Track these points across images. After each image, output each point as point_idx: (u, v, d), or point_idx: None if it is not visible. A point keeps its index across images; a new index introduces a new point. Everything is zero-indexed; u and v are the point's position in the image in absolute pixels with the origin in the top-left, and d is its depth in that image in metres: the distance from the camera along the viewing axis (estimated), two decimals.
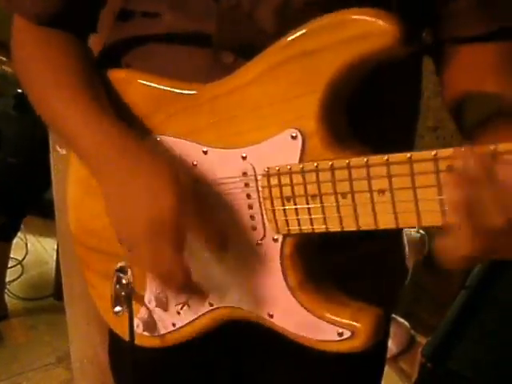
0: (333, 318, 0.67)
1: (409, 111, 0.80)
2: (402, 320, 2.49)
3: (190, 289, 0.74)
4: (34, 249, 3.11)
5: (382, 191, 0.58)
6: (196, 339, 0.82)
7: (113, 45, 0.85)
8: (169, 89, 0.75)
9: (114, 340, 1.01)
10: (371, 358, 0.96)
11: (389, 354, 2.29)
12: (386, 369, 2.26)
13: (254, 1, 0.71)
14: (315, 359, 0.72)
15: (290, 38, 0.64)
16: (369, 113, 0.66)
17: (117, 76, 0.82)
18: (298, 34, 0.63)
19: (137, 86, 0.79)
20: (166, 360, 0.95)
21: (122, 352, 0.95)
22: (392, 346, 2.35)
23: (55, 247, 1.89)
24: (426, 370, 1.51)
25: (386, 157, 0.57)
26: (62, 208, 1.57)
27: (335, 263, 0.70)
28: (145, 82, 0.78)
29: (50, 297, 2.65)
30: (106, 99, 0.80)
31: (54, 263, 2.60)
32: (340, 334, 0.66)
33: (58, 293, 2.13)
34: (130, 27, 0.82)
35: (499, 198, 0.52)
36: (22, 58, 0.86)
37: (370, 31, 0.58)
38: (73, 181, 0.94)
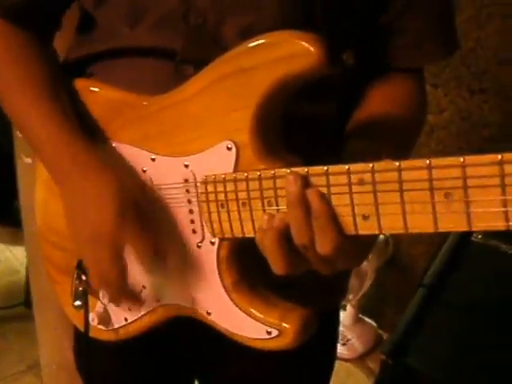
0: (262, 317, 0.72)
1: (334, 124, 0.84)
2: (369, 320, 2.54)
3: (126, 294, 0.82)
4: (4, 257, 3.14)
5: None
6: (154, 335, 0.87)
7: (77, 55, 0.89)
8: (122, 99, 0.81)
9: (77, 339, 1.06)
10: (318, 354, 1.00)
11: (356, 354, 2.35)
12: (354, 368, 2.33)
13: (219, 21, 0.76)
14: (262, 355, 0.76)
15: (229, 55, 0.69)
16: (294, 125, 0.71)
17: (80, 85, 0.87)
18: (236, 51, 0.68)
19: (97, 95, 0.84)
20: (124, 354, 1.00)
21: (83, 348, 1.00)
22: (359, 345, 2.40)
23: (26, 255, 1.91)
24: (387, 367, 1.55)
25: (306, 169, 0.62)
26: (29, 215, 1.61)
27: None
28: (103, 92, 0.84)
29: (20, 305, 2.65)
30: (67, 104, 0.84)
31: (25, 271, 2.60)
32: (269, 333, 0.71)
33: (28, 301, 2.13)
34: (91, 40, 0.86)
35: (316, 223, 0.61)
36: None
37: (296, 52, 0.62)
38: (39, 180, 0.99)
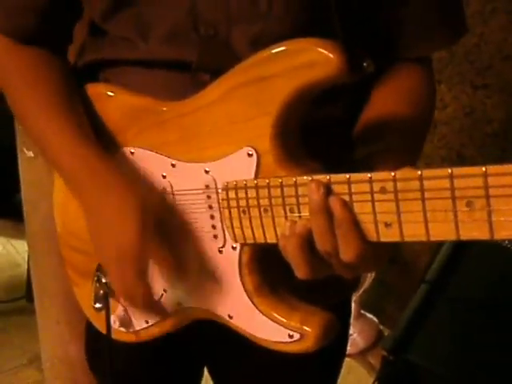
0: (284, 320, 0.73)
1: (345, 125, 0.85)
2: (370, 316, 2.55)
3: (152, 308, 0.83)
4: (5, 251, 3.16)
5: None
6: (174, 336, 0.89)
7: (88, 62, 0.90)
8: (142, 105, 0.82)
9: (90, 338, 1.07)
10: (330, 355, 1.01)
11: (357, 349, 2.36)
12: (355, 363, 2.34)
13: (229, 31, 0.77)
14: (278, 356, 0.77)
15: (248, 63, 0.70)
16: (306, 129, 0.72)
17: (95, 90, 0.88)
18: (256, 59, 0.69)
19: (113, 100, 0.85)
20: (145, 355, 1.01)
21: (100, 349, 1.01)
22: (360, 340, 2.42)
23: (27, 249, 1.92)
24: (388, 363, 1.56)
25: (328, 176, 0.63)
26: (31, 209, 1.63)
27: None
28: (119, 97, 0.85)
29: (21, 299, 2.65)
30: (83, 117, 0.85)
31: (26, 265, 2.59)
32: (291, 336, 0.72)
33: (29, 294, 2.12)
34: (104, 46, 0.87)
35: (339, 231, 0.62)
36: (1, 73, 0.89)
37: (317, 60, 0.63)
38: (58, 184, 1.00)
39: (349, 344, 2.34)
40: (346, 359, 2.27)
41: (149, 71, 0.82)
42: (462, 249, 1.76)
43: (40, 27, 0.88)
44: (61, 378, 1.81)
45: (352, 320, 2.45)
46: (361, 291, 2.38)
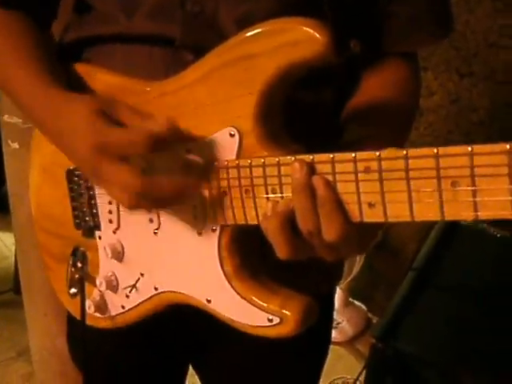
0: (263, 304, 0.71)
1: (331, 111, 0.85)
2: (359, 304, 2.56)
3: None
4: None
5: None
6: (150, 322, 0.87)
7: (72, 40, 0.88)
8: (122, 85, 0.80)
9: (71, 326, 1.05)
10: (314, 337, 1.00)
11: (346, 337, 2.37)
12: (344, 351, 2.35)
13: (216, 9, 0.75)
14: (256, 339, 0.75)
15: (232, 42, 0.68)
16: (292, 112, 0.71)
17: (78, 70, 0.86)
18: (239, 38, 0.67)
19: (96, 80, 0.83)
20: (121, 341, 0.99)
21: (77, 336, 0.99)
22: (349, 328, 2.43)
23: (14, 241, 1.90)
24: (377, 350, 1.57)
25: (311, 156, 0.62)
26: (18, 201, 1.62)
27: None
28: (103, 77, 0.83)
29: (9, 291, 2.64)
30: (56, 66, 0.84)
31: (14, 257, 2.58)
32: (270, 320, 0.71)
33: (17, 287, 2.12)
34: (89, 23, 0.85)
35: (321, 211, 0.61)
36: None
37: (302, 39, 0.62)
38: (35, 168, 0.98)
39: (337, 332, 2.39)
40: (335, 347, 2.31)
41: (131, 47, 0.81)
42: (448, 236, 1.76)
43: None
44: (50, 370, 1.81)
45: (341, 308, 2.47)
46: (349, 279, 2.38)
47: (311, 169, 0.61)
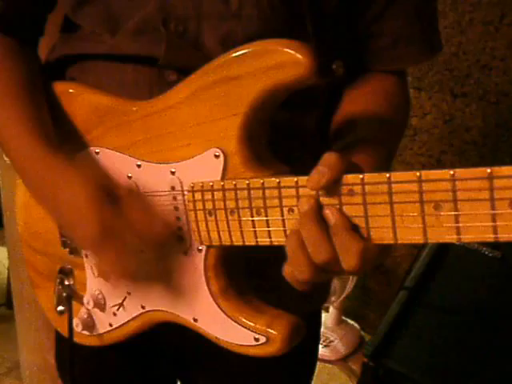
0: (249, 323, 0.71)
1: (315, 131, 0.85)
2: (351, 322, 2.55)
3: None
4: None
5: (291, 209, 0.63)
6: (137, 339, 0.87)
7: (58, 57, 0.88)
8: (108, 104, 0.80)
9: (59, 344, 1.05)
10: (300, 356, 1.00)
11: (338, 356, 2.36)
12: (336, 369, 2.34)
13: (199, 29, 0.76)
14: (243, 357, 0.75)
15: (216, 63, 0.69)
16: (275, 133, 0.71)
17: (62, 89, 0.86)
18: (224, 59, 0.68)
19: (79, 99, 0.83)
20: (108, 358, 0.99)
21: (64, 353, 0.99)
22: (342, 347, 2.42)
23: (7, 256, 1.89)
24: (368, 369, 1.56)
25: (295, 179, 0.62)
26: (11, 215, 1.62)
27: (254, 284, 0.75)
28: (87, 97, 0.83)
29: (1, 306, 2.62)
30: (44, 111, 0.83)
31: (7, 272, 2.55)
32: (256, 340, 0.71)
33: (10, 302, 2.11)
34: (75, 41, 0.85)
35: (326, 235, 0.59)
36: None
37: (286, 61, 0.62)
38: (21, 186, 0.98)
39: (330, 350, 2.38)
40: (327, 365, 2.30)
41: (116, 66, 0.81)
42: (440, 256, 1.76)
43: (8, 15, 0.86)
44: None
45: (333, 326, 2.46)
46: (342, 297, 2.38)
47: (318, 201, 0.60)
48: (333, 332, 2.46)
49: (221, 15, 0.75)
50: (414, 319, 1.65)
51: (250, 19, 0.75)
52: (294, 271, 0.62)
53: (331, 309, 2.47)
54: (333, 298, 2.35)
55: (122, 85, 0.81)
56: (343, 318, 2.52)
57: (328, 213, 0.59)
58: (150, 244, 0.74)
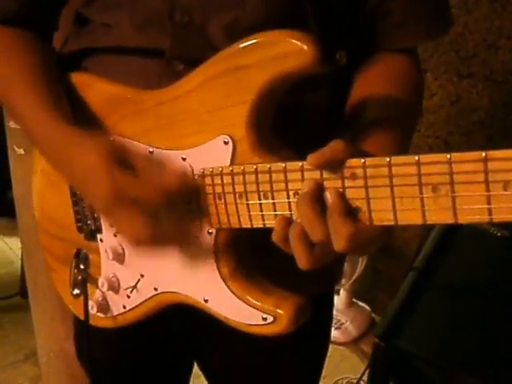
0: (258, 303, 0.75)
1: (323, 115, 0.86)
2: (362, 304, 2.57)
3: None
4: None
5: (297, 193, 0.65)
6: (152, 322, 0.90)
7: (70, 51, 0.91)
8: (121, 94, 0.83)
9: (77, 327, 1.08)
10: (313, 339, 1.03)
11: (350, 338, 2.38)
12: (347, 351, 2.36)
13: (205, 19, 0.78)
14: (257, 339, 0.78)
15: (224, 53, 0.72)
16: (285, 115, 0.73)
17: (77, 79, 0.89)
18: (232, 50, 0.71)
19: (94, 89, 0.87)
20: (126, 341, 1.02)
21: (83, 336, 1.02)
22: (353, 329, 2.44)
23: (20, 245, 1.92)
24: (379, 350, 1.58)
25: (300, 163, 0.65)
26: (24, 206, 1.66)
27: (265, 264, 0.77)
28: (101, 86, 0.86)
29: (16, 295, 2.66)
30: (61, 95, 0.86)
31: (20, 262, 2.58)
32: (264, 319, 0.74)
33: (24, 291, 2.14)
34: (85, 35, 0.88)
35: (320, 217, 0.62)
36: None
37: (291, 51, 0.65)
38: (37, 171, 1.01)
39: (341, 332, 2.40)
40: (339, 347, 2.33)
41: (125, 58, 0.84)
42: (449, 236, 1.77)
43: (22, 9, 0.89)
44: (58, 372, 1.84)
45: (344, 309, 2.48)
46: (352, 280, 2.40)
47: (318, 184, 0.63)
48: (343, 314, 2.48)
49: (225, 4, 0.77)
50: (424, 299, 1.66)
51: (255, 8, 0.77)
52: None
53: (342, 291, 2.49)
54: (343, 281, 2.37)
55: (131, 76, 0.83)
56: (354, 300, 2.55)
57: (327, 195, 0.62)
58: (163, 206, 0.73)
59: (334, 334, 2.36)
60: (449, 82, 2.20)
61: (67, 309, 1.01)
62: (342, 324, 2.44)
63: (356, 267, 2.35)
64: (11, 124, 1.60)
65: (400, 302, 1.67)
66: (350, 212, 0.61)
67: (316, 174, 0.64)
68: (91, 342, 0.95)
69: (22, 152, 1.63)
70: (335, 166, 0.61)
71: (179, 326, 0.98)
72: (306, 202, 0.62)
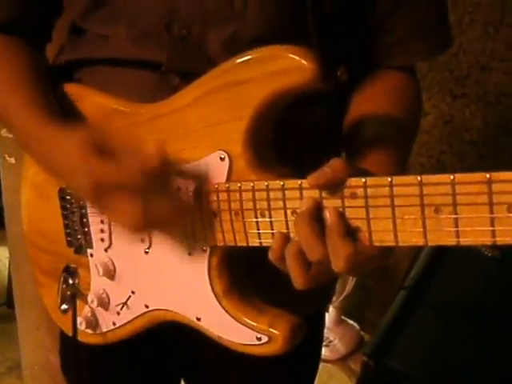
0: (251, 323, 0.73)
1: (322, 132, 0.86)
2: (351, 322, 2.56)
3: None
4: None
5: (294, 211, 0.64)
6: (140, 339, 0.88)
7: (64, 61, 0.90)
8: (116, 107, 0.81)
9: (63, 341, 1.06)
10: (303, 357, 1.01)
11: (338, 355, 2.37)
12: (336, 369, 2.34)
13: (203, 32, 0.77)
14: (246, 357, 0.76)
15: (223, 68, 0.70)
16: (282, 132, 0.72)
17: (71, 90, 0.88)
18: (230, 64, 0.69)
19: (88, 100, 0.85)
20: (112, 357, 1.00)
21: (69, 351, 1.00)
22: (341, 346, 2.43)
23: (8, 255, 1.90)
24: (368, 368, 1.57)
25: (299, 181, 0.63)
26: (12, 215, 1.64)
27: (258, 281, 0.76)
28: (95, 98, 0.84)
29: (2, 305, 2.62)
30: (48, 92, 0.85)
31: (7, 271, 2.55)
32: (258, 339, 0.72)
33: (10, 301, 2.11)
34: (80, 46, 0.87)
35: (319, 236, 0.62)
36: None
37: (291, 67, 0.64)
38: (28, 184, 0.99)
39: (330, 350, 2.38)
40: (327, 365, 2.31)
41: (119, 70, 0.82)
42: (439, 255, 1.77)
43: (15, 17, 0.88)
44: None
45: (333, 326, 2.47)
46: (342, 297, 2.39)
47: (317, 202, 0.62)
48: (332, 332, 2.47)
49: (225, 17, 0.76)
50: (414, 318, 1.66)
51: (254, 22, 0.76)
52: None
53: (331, 308, 2.48)
54: (333, 298, 2.36)
55: (125, 89, 0.82)
56: (342, 317, 2.53)
57: (326, 214, 0.61)
58: (146, 185, 0.68)
59: (323, 351, 2.34)
60: (442, 101, 2.21)
61: (54, 321, 0.99)
62: (331, 341, 2.43)
63: (346, 285, 2.34)
64: (3, 132, 1.59)
65: (390, 321, 1.67)
66: (350, 232, 0.60)
67: (315, 193, 0.62)
68: (79, 357, 0.93)
69: (13, 161, 1.62)
70: (335, 185, 0.60)
71: (167, 342, 0.96)
72: (305, 220, 0.61)
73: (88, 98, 0.85)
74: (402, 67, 0.88)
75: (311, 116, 0.84)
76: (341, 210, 0.60)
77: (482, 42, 2.06)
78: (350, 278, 2.33)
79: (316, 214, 0.61)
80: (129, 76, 0.82)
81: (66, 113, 0.86)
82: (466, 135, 2.19)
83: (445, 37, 0.89)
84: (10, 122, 0.84)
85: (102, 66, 0.84)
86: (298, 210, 0.63)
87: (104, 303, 0.88)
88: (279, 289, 0.72)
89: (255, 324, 0.73)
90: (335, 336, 2.45)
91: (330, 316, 2.48)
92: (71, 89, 0.88)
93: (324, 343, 2.41)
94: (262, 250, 0.68)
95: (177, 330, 0.83)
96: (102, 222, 0.85)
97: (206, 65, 0.73)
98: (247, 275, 0.77)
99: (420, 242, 0.57)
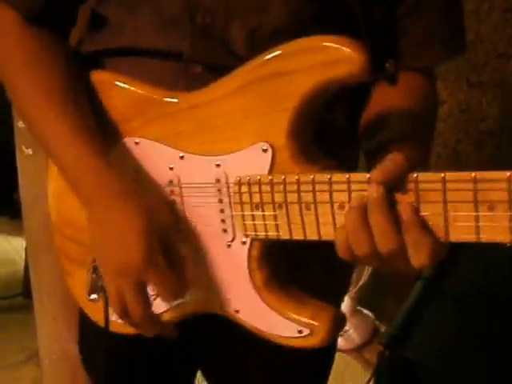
0: (293, 316, 0.72)
1: (341, 129, 0.85)
2: (366, 311, 2.55)
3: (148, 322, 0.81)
4: (2, 248, 3.16)
5: (342, 205, 0.63)
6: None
7: (87, 51, 0.88)
8: (147, 95, 0.80)
9: (82, 331, 1.05)
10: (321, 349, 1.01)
11: (353, 345, 2.36)
12: (351, 359, 2.33)
13: (227, 22, 0.76)
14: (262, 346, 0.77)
15: (266, 58, 0.69)
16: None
17: (99, 78, 0.85)
18: (274, 54, 0.68)
19: (118, 89, 0.83)
20: (141, 347, 1.00)
21: (94, 340, 0.99)
22: (356, 336, 2.42)
23: (24, 246, 1.90)
24: (384, 358, 1.57)
25: (347, 175, 0.62)
26: (30, 207, 1.62)
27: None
28: (125, 86, 0.82)
29: (19, 295, 2.63)
30: (85, 105, 0.82)
31: (23, 262, 2.56)
32: (300, 332, 0.72)
33: (27, 291, 2.11)
34: (102, 36, 0.86)
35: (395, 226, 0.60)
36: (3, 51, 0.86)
37: (339, 58, 0.63)
38: (52, 172, 0.97)
39: (345, 340, 2.38)
40: (342, 355, 2.31)
41: (142, 60, 0.81)
42: (457, 245, 1.76)
43: (47, 8, 0.85)
44: (59, 374, 1.80)
45: (348, 316, 2.46)
46: (357, 287, 2.38)
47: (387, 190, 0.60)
48: (347, 321, 2.46)
49: (249, 8, 0.75)
50: (431, 309, 1.65)
51: (278, 13, 0.75)
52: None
53: (346, 298, 2.48)
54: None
55: (148, 78, 0.81)
56: (358, 307, 2.53)
57: (399, 208, 0.59)
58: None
59: (338, 341, 2.34)
60: (459, 90, 2.20)
61: (71, 310, 0.98)
62: (346, 331, 2.42)
63: (361, 274, 2.33)
64: (20, 124, 1.58)
65: (407, 311, 1.66)
66: (427, 227, 0.59)
67: (364, 187, 0.61)
68: (97, 346, 0.93)
69: (30, 152, 1.60)
70: (399, 179, 0.59)
71: (187, 333, 0.96)
72: (379, 207, 0.59)
73: (116, 86, 0.83)
74: (420, 69, 0.88)
75: (334, 116, 0.83)
76: (415, 204, 0.59)
77: (500, 29, 2.04)
78: (366, 268, 2.32)
79: (388, 202, 0.59)
80: (150, 64, 0.81)
81: (94, 102, 0.84)
82: (482, 124, 2.17)
83: (461, 41, 0.88)
84: (38, 124, 0.82)
85: (124, 55, 0.83)
86: (347, 205, 0.62)
87: None
88: (299, 280, 0.72)
89: (298, 317, 0.72)
90: (350, 326, 2.44)
91: (345, 306, 2.47)
92: (98, 77, 0.86)
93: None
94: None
95: (198, 321, 0.82)
96: None
97: (228, 55, 0.73)
98: (287, 267, 0.76)
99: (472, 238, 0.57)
